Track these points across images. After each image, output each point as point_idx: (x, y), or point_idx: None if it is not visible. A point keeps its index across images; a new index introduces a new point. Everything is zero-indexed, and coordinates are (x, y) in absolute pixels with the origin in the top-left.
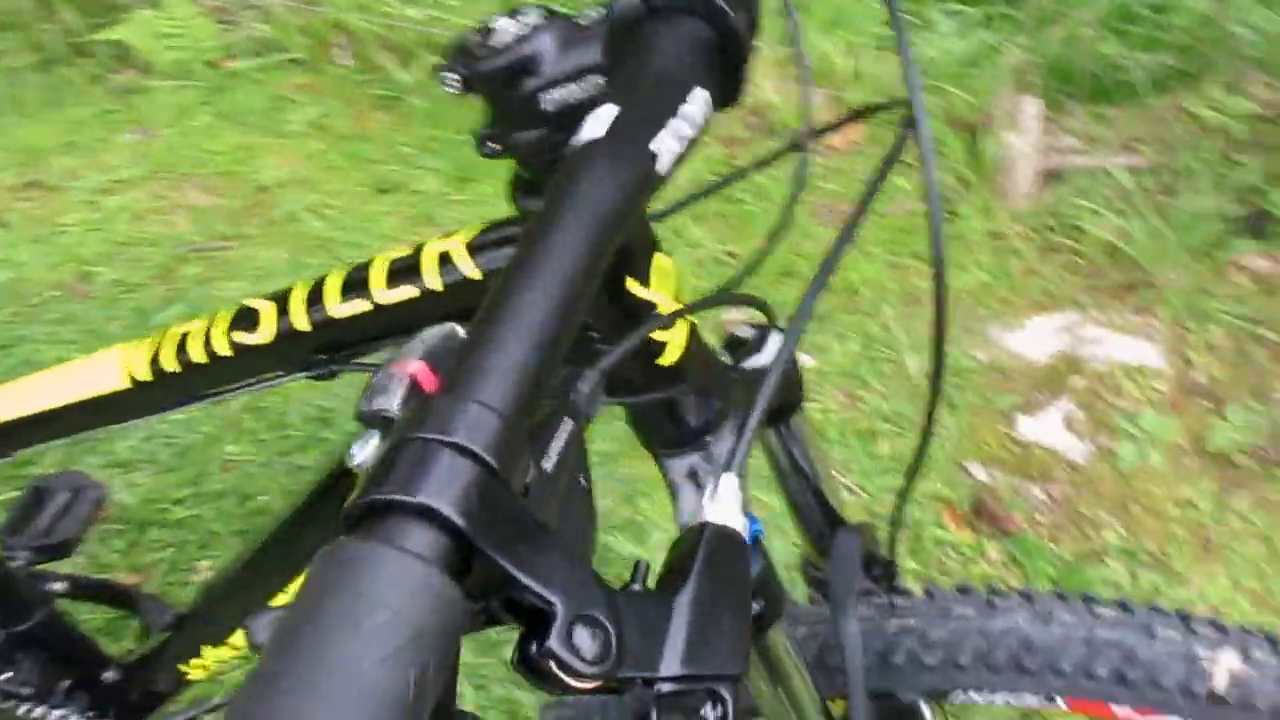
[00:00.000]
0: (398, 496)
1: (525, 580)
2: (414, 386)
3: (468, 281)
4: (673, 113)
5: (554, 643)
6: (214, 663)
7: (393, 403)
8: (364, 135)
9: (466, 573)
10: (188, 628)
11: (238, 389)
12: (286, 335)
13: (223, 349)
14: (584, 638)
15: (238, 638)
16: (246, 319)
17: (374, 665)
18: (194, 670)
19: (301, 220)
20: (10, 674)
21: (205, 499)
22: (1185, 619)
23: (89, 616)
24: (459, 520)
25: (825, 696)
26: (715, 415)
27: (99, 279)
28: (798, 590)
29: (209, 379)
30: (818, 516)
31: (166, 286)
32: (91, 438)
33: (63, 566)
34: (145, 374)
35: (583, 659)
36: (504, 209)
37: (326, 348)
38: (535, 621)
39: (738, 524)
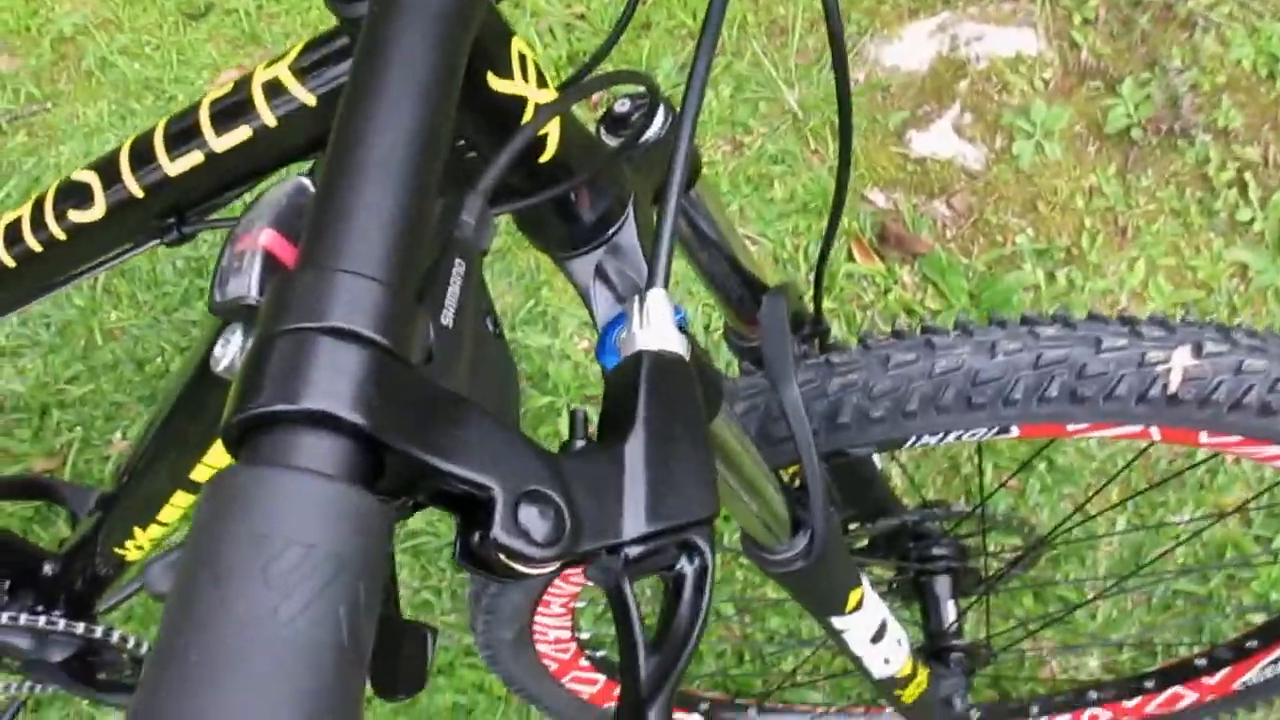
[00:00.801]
0: (279, 406)
1: (452, 469)
2: (269, 262)
3: (304, 109)
4: None
5: (498, 531)
6: (148, 542)
7: (249, 287)
8: None
9: (380, 473)
10: (114, 511)
11: (87, 271)
12: (122, 205)
13: (58, 233)
14: (531, 518)
15: (166, 513)
16: (75, 195)
17: (295, 616)
18: (130, 552)
19: (116, 65)
20: None
21: (99, 372)
22: (1130, 323)
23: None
24: (358, 419)
25: (775, 469)
26: (612, 203)
27: None
28: (721, 359)
29: (52, 267)
30: (735, 284)
31: None
32: None
33: None
34: None
35: (534, 543)
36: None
37: (169, 211)
38: (471, 509)
39: (676, 344)
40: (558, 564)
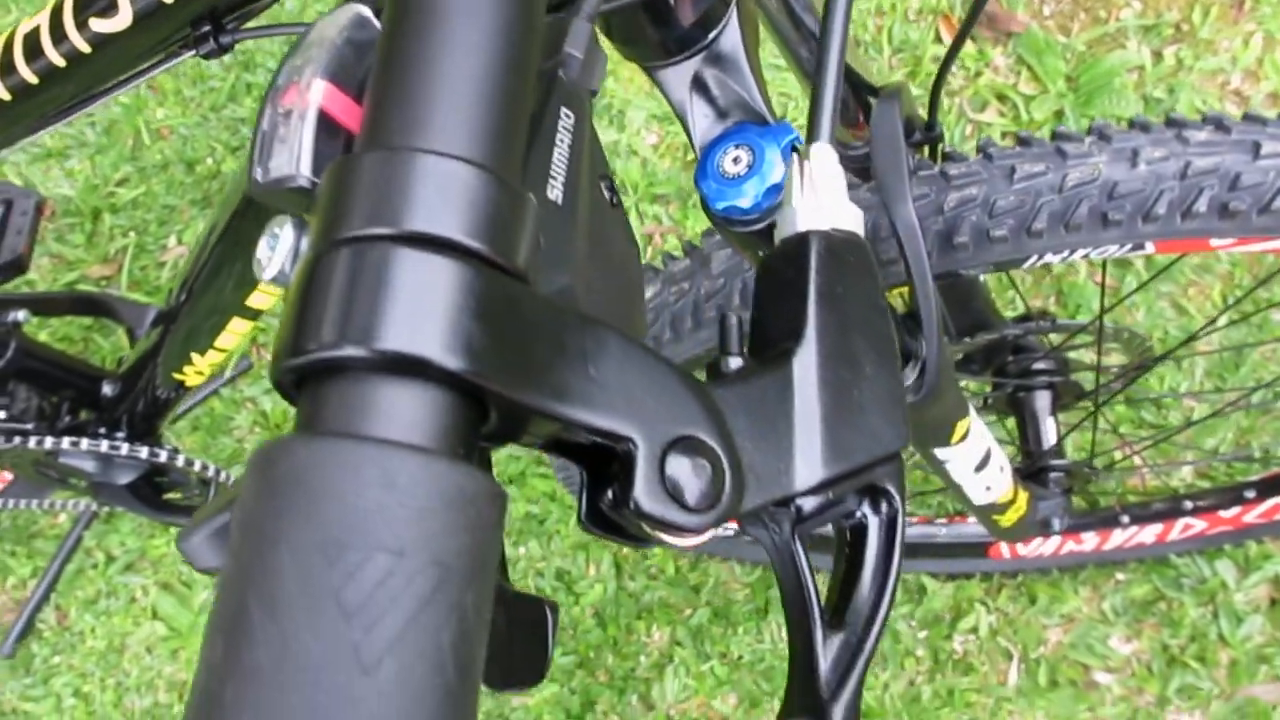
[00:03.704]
0: (348, 350)
1: (583, 419)
2: (326, 127)
3: None
4: None
5: (641, 495)
6: (207, 367)
7: (298, 164)
8: None
9: (484, 422)
10: (171, 333)
11: (115, 88)
12: (151, 12)
13: (81, 44)
14: (683, 473)
15: (224, 340)
16: (97, 1)
17: (382, 656)
18: (189, 377)
19: None
20: (4, 413)
21: (149, 173)
22: None
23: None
24: (458, 363)
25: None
26: (714, 2)
27: None
28: None
29: (79, 83)
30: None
31: None
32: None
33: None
34: (3, 93)
35: (686, 507)
36: None
37: (204, 18)
38: (602, 462)
39: (850, 219)
40: (713, 530)
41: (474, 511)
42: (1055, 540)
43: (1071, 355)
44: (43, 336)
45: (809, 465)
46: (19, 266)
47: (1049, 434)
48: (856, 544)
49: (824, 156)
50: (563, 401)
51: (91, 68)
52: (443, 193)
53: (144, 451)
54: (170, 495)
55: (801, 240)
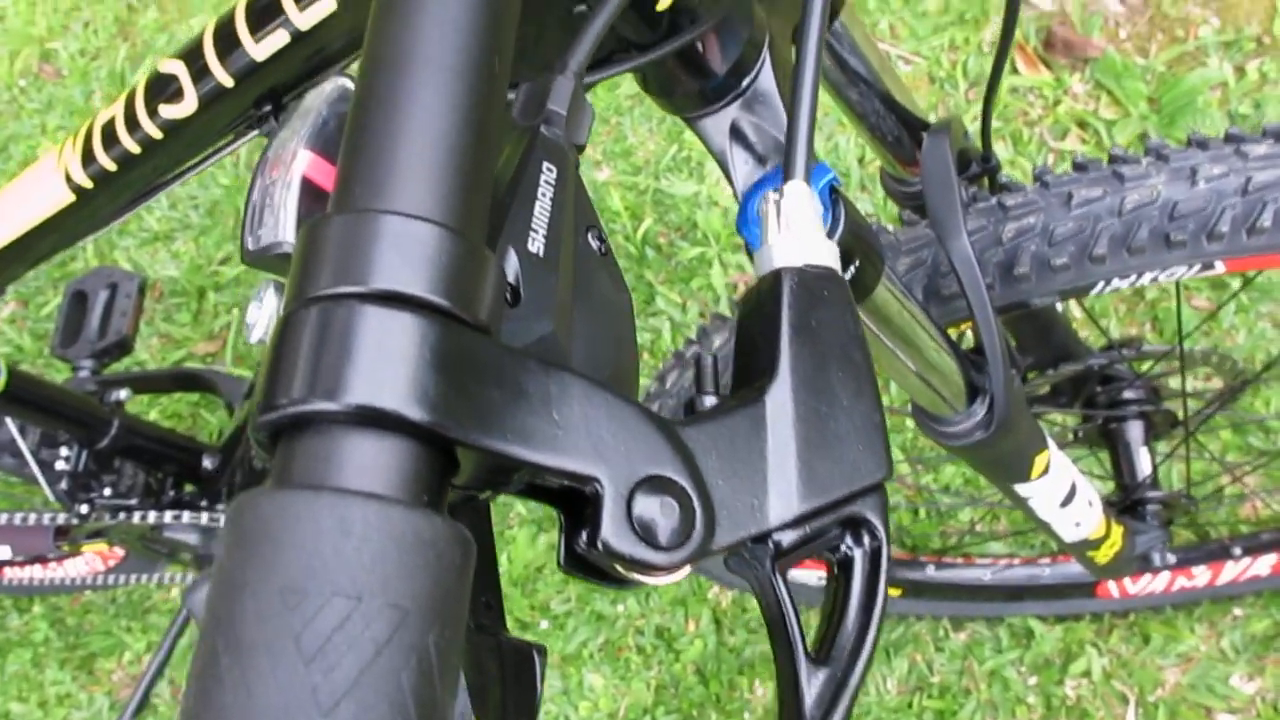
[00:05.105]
0: (315, 404)
1: (545, 462)
2: (310, 195)
3: None
4: None
5: (608, 535)
6: None
7: (283, 230)
8: None
9: (454, 468)
10: None
11: (192, 169)
12: (214, 98)
13: (154, 132)
14: (651, 512)
15: None
16: (165, 89)
17: (339, 699)
18: None
19: None
20: (110, 489)
21: None
22: None
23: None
24: (419, 414)
25: (944, 328)
26: (745, 48)
27: (61, 56)
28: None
29: (154, 167)
30: (891, 123)
31: (130, 43)
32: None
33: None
34: (86, 180)
35: (656, 545)
36: None
37: (265, 97)
38: (576, 504)
39: (825, 254)
40: (687, 568)
41: (433, 555)
42: (1165, 576)
43: (1163, 383)
44: (153, 414)
45: (784, 499)
46: (124, 347)
47: (1143, 465)
48: (842, 577)
49: (797, 194)
50: (525, 445)
51: (166, 151)
52: (404, 251)
53: None
54: None
55: (775, 277)
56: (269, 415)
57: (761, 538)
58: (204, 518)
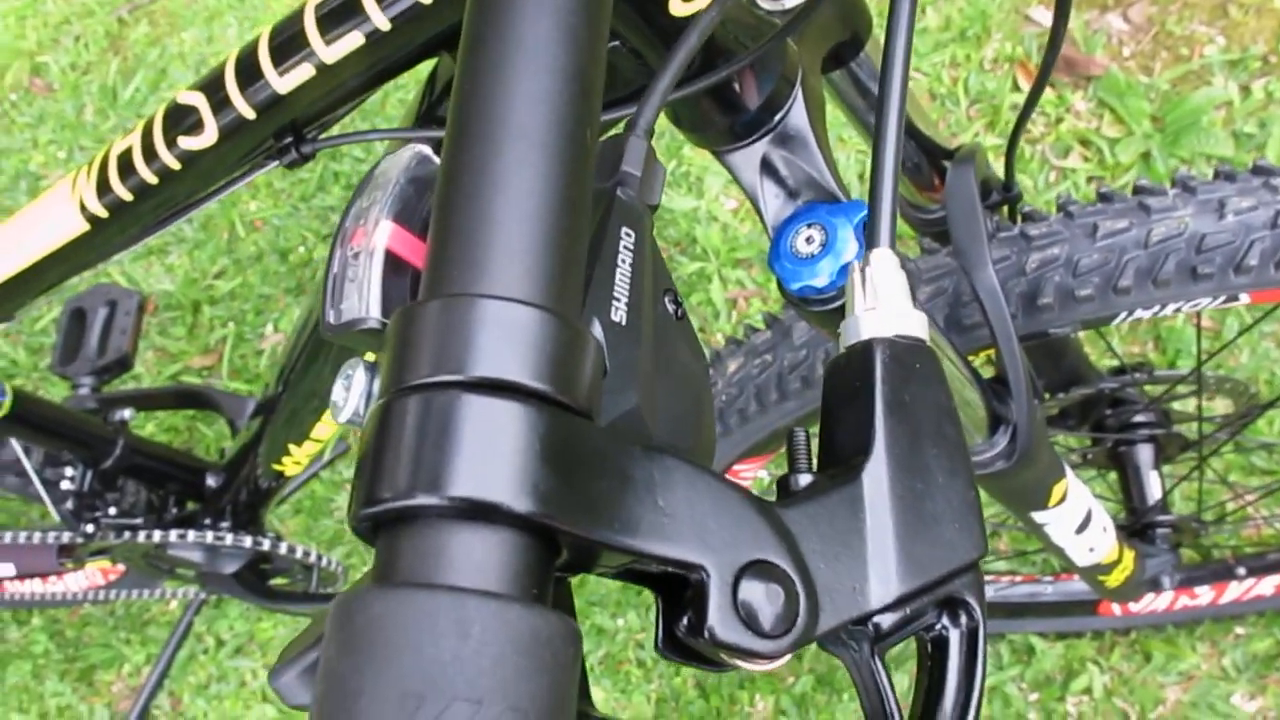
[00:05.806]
0: (420, 499)
1: (654, 551)
2: (393, 267)
3: (419, 8)
4: None
5: (716, 624)
6: (305, 457)
7: (367, 305)
8: None
9: (556, 557)
10: (270, 424)
11: (207, 198)
12: (235, 129)
13: (172, 163)
14: (757, 598)
15: (319, 430)
16: (184, 120)
17: None
18: (288, 467)
19: None
20: (115, 509)
21: (245, 265)
22: None
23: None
24: (529, 506)
25: (965, 355)
26: (777, 84)
27: (52, 70)
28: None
29: (170, 197)
30: (911, 150)
31: (121, 57)
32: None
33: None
34: (101, 210)
35: (762, 633)
36: None
37: (286, 130)
38: (678, 590)
39: (916, 324)
40: (790, 654)
41: (549, 654)
42: (1168, 595)
43: (1173, 406)
44: (149, 427)
45: (884, 582)
46: (124, 364)
47: (1153, 488)
48: (938, 658)
49: (885, 262)
50: (632, 535)
51: (182, 182)
52: (504, 337)
53: (248, 541)
54: (275, 581)
55: (866, 349)
56: (372, 509)
57: (861, 620)
58: (208, 536)
